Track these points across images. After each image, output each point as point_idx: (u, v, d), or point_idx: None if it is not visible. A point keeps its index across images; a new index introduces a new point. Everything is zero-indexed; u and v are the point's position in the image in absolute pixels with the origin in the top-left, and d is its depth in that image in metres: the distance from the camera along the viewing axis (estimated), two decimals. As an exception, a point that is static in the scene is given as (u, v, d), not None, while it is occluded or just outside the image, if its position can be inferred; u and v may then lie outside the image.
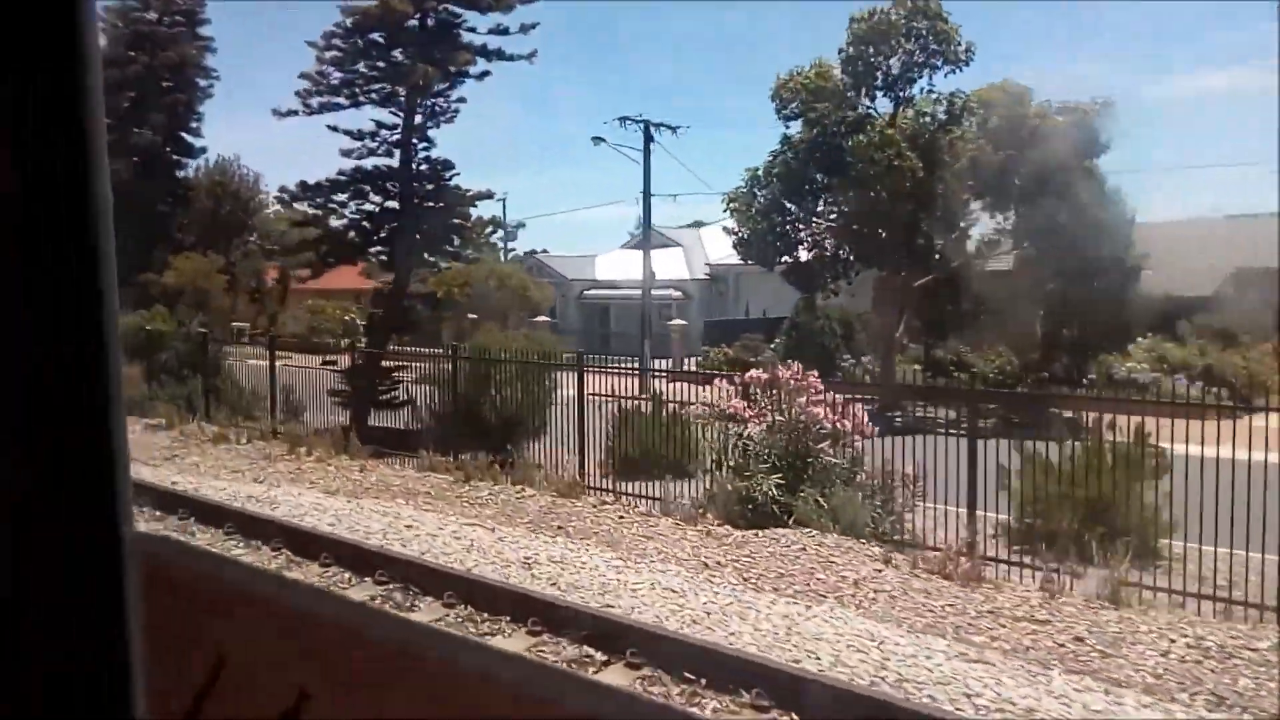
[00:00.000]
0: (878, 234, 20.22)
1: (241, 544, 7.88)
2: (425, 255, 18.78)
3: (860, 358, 24.80)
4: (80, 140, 0.78)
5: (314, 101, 17.49)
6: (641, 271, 40.39)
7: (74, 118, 0.77)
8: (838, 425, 9.17)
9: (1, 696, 0.77)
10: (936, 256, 20.79)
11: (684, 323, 30.00)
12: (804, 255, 22.06)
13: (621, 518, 9.10)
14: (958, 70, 20.48)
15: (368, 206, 18.18)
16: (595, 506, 9.61)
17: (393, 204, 18.32)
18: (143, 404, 18.18)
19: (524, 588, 6.54)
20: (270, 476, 11.16)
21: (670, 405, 11.45)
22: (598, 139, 25.22)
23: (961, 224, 21.09)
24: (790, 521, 8.56)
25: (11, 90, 0.76)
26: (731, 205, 22.35)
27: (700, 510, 9.13)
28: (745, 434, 9.51)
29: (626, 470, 11.18)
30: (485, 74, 17.63)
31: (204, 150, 30.76)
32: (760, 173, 21.88)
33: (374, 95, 17.68)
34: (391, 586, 6.76)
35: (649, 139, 25.68)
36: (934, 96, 20.68)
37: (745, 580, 7.18)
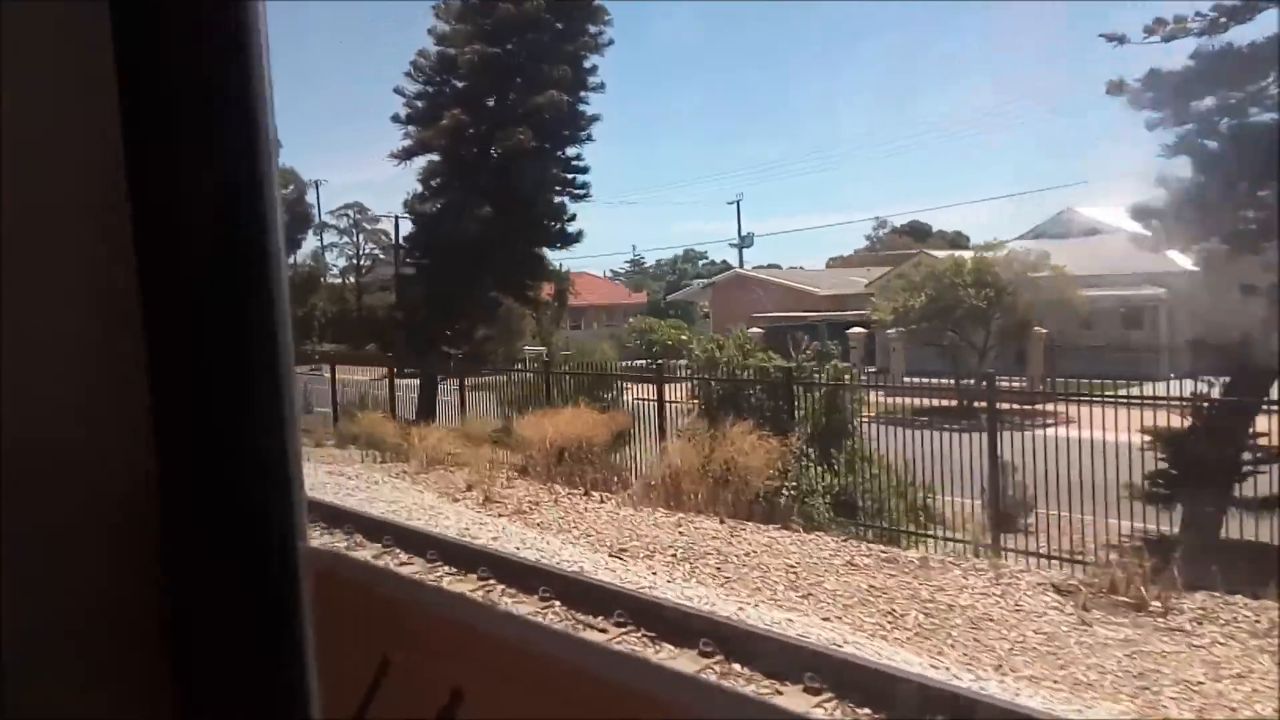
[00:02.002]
0: None
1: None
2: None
3: None
4: (249, 146, 0.78)
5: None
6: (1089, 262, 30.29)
7: (243, 126, 0.78)
8: None
9: (193, 692, 0.82)
10: None
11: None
12: None
13: None
14: None
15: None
16: None
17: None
18: (797, 505, 9.92)
19: None
20: None
21: None
22: None
23: None
24: None
25: (184, 104, 0.78)
26: None
27: None
28: None
29: None
30: None
31: (595, 119, 22.89)
32: None
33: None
34: None
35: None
36: None
37: None
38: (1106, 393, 10.89)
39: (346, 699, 0.84)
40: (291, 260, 41.87)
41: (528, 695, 0.72)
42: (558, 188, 22.53)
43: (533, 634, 0.75)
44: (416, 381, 20.95)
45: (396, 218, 38.03)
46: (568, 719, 0.70)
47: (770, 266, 48.68)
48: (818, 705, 5.25)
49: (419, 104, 21.92)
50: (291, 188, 35.80)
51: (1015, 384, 19.60)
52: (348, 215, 46.10)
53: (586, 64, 22.24)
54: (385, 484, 12.01)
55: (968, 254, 22.76)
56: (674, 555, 8.38)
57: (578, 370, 15.03)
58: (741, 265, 48.67)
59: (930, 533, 9.99)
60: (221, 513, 0.83)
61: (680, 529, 9.31)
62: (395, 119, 21.96)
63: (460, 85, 21.79)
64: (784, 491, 10.34)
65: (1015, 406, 14.64)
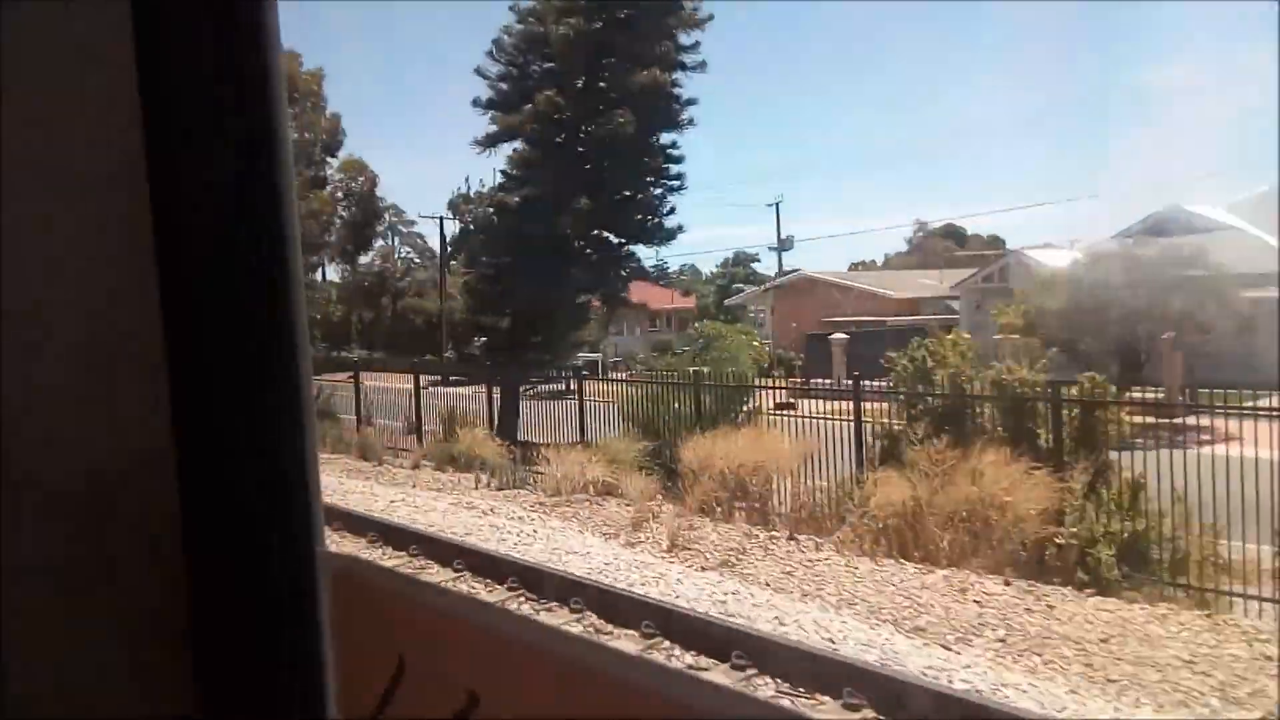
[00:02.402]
0: None
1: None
2: None
3: None
4: (266, 147, 0.77)
5: None
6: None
7: (258, 122, 0.77)
8: None
9: (211, 693, 0.80)
10: None
11: None
12: None
13: None
14: None
15: None
16: None
17: None
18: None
19: None
20: None
21: None
22: None
23: None
24: None
25: (203, 99, 0.76)
26: None
27: None
28: None
29: None
30: None
31: (691, 102, 20.73)
32: None
33: None
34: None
35: None
36: None
37: None
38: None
39: (363, 700, 0.82)
40: (363, 260, 39.78)
41: (543, 697, 0.71)
42: (649, 178, 20.45)
43: (548, 636, 0.73)
44: (468, 390, 18.98)
45: (441, 219, 35.86)
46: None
47: (793, 271, 46.56)
48: None
49: (503, 86, 19.88)
50: (362, 179, 33.66)
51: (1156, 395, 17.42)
52: (383, 218, 44.14)
53: (685, 41, 20.17)
54: (530, 520, 9.91)
55: (1113, 247, 20.54)
56: (1000, 639, 6.22)
57: (747, 384, 12.87)
58: (780, 269, 46.52)
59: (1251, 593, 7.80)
60: (239, 515, 0.81)
61: (967, 594, 7.16)
62: (476, 103, 19.94)
63: (548, 66, 19.74)
64: (1059, 539, 8.18)
65: (1152, 420, 12.51)
